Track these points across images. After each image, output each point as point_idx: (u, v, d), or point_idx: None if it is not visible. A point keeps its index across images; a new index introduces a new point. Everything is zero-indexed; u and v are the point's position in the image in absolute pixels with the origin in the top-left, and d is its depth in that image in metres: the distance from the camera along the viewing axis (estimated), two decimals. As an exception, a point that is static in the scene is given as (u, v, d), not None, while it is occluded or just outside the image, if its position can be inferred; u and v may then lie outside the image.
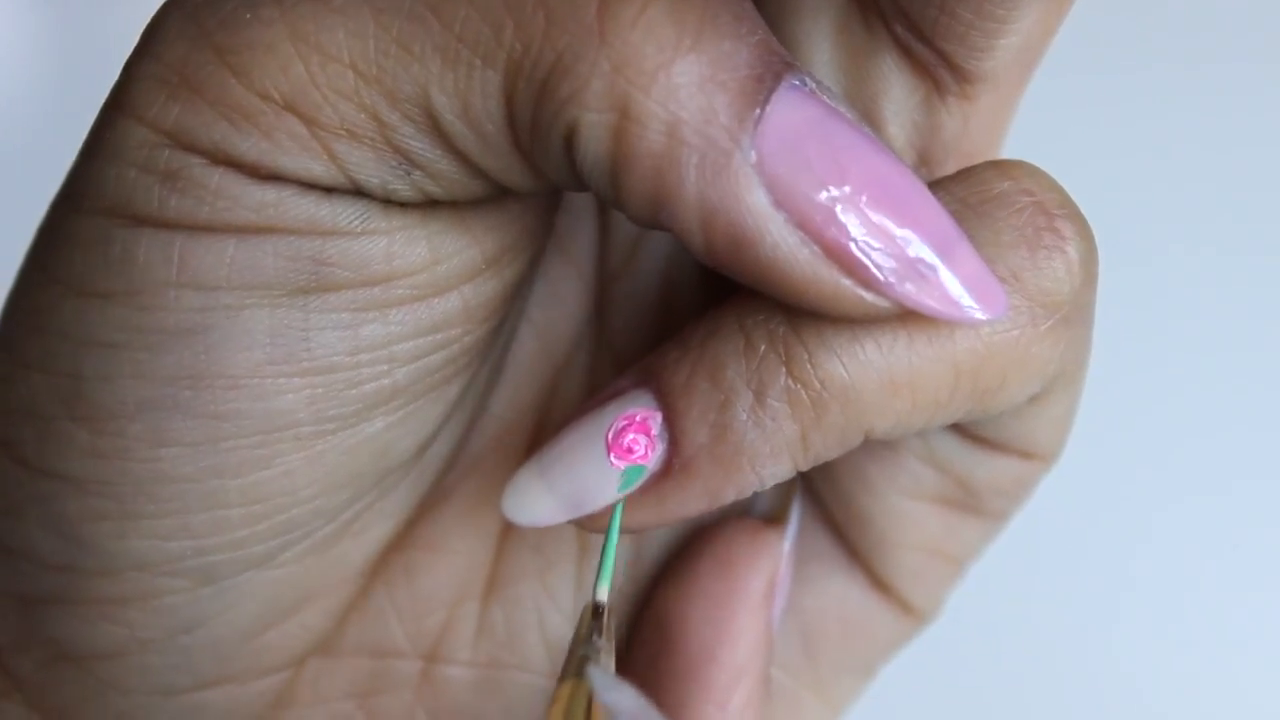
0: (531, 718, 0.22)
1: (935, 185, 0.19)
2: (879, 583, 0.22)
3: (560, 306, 0.23)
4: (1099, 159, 0.43)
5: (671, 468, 0.19)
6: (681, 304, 0.22)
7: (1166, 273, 0.42)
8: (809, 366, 0.18)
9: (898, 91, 0.19)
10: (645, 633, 0.22)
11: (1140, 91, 0.41)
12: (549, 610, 0.22)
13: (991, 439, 0.21)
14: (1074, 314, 0.19)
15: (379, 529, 0.22)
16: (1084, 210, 0.19)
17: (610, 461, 0.19)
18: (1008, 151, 0.20)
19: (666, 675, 0.21)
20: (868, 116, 0.19)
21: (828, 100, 0.17)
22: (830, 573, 0.22)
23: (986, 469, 0.21)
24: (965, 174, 0.19)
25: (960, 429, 0.21)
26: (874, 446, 0.21)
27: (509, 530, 0.23)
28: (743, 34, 0.17)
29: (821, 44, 0.19)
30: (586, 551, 0.23)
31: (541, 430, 0.23)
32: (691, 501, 0.19)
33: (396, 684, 0.22)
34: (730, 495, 0.19)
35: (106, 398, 0.18)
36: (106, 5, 0.52)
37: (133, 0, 0.53)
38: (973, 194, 0.18)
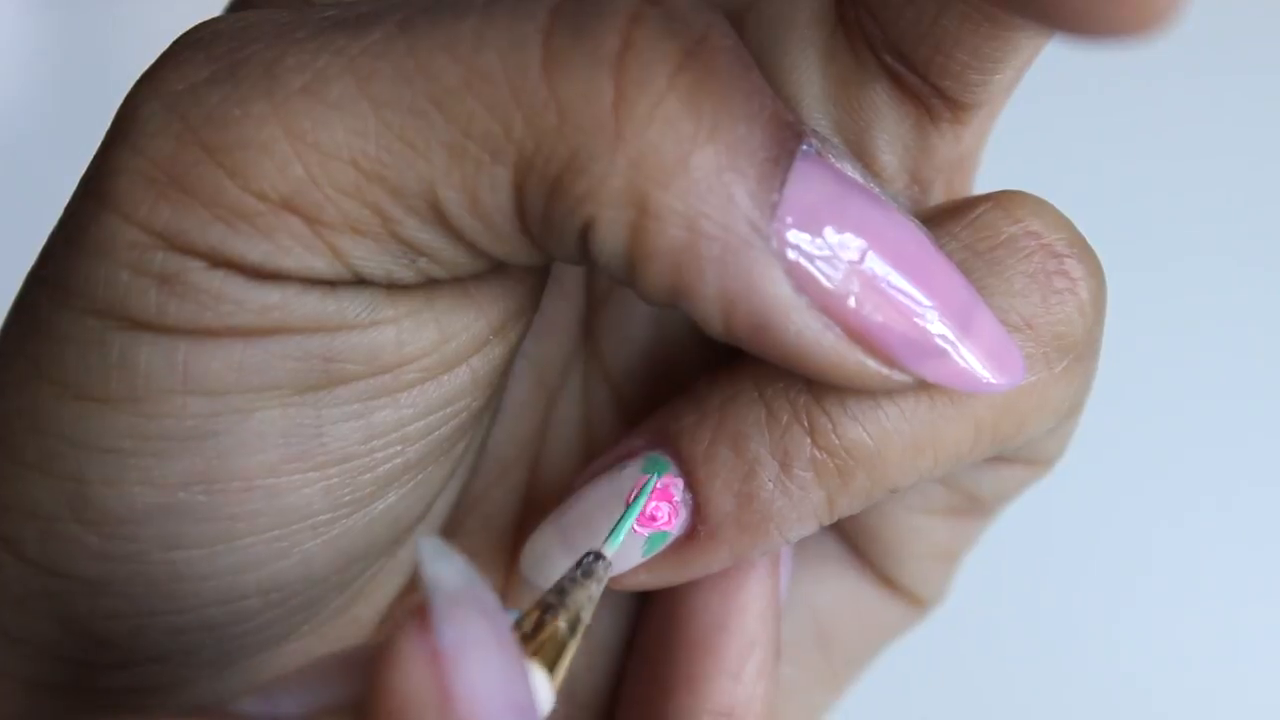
0: None
1: (941, 231, 0.18)
2: (889, 582, 0.23)
3: (551, 334, 0.22)
4: (1098, 162, 0.43)
5: (697, 534, 0.19)
6: (673, 323, 0.22)
7: (1162, 273, 0.42)
8: (833, 436, 0.18)
9: (890, 120, 0.19)
10: (655, 607, 0.21)
11: (1140, 95, 0.41)
12: None
13: (1003, 458, 0.21)
14: (1085, 351, 0.19)
15: (390, 585, 0.21)
16: (1083, 211, 0.19)
17: (634, 529, 0.19)
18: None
19: (678, 648, 0.21)
20: (860, 146, 0.19)
21: (835, 163, 0.17)
22: (841, 573, 0.23)
23: (994, 481, 0.21)
24: (971, 217, 0.19)
25: None
26: None
27: (513, 564, 0.22)
28: (755, 113, 0.16)
29: (811, 76, 0.19)
30: None
31: (539, 463, 0.23)
32: (715, 563, 0.19)
33: None
34: (756, 556, 0.19)
35: (114, 504, 0.18)
36: (107, 6, 0.52)
37: (133, 1, 0.53)
38: (981, 240, 0.18)
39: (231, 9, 0.19)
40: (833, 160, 0.17)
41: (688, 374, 0.22)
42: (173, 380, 0.17)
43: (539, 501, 0.22)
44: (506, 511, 0.22)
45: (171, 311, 0.17)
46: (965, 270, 0.18)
